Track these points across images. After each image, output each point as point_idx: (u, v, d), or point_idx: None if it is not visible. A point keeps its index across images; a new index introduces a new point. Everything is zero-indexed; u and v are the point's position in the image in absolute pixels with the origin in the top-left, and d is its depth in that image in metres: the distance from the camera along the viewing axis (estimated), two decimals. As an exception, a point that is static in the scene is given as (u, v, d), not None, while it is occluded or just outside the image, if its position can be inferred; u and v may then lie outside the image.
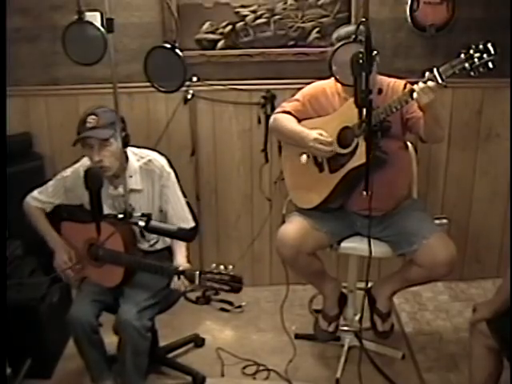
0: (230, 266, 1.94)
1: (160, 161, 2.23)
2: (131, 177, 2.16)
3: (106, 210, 2.15)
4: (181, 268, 2.01)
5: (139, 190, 2.19)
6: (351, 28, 2.16)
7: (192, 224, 2.26)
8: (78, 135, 2.08)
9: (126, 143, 2.13)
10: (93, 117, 2.06)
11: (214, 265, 1.94)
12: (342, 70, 1.93)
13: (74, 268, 2.15)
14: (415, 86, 1.92)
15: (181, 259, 2.17)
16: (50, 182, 2.27)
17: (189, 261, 2.19)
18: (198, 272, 1.95)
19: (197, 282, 1.96)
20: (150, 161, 2.21)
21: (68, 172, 2.26)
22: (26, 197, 2.26)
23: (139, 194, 2.19)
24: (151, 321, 2.14)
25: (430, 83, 1.88)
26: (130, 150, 2.21)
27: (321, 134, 2.17)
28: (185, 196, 2.29)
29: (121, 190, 2.12)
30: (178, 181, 2.26)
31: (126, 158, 2.17)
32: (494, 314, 1.85)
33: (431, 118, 2.04)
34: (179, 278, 2.00)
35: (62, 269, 2.16)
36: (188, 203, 2.31)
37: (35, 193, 2.26)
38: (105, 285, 2.13)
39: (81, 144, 2.09)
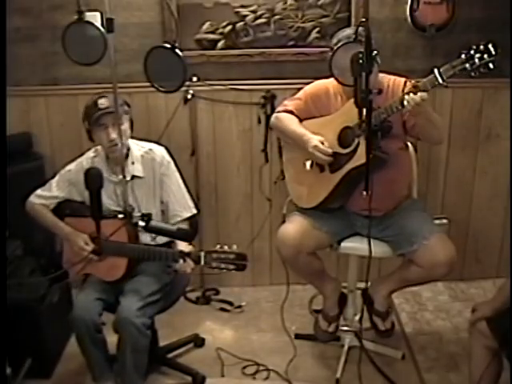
0: (234, 246, 1.97)
1: (160, 150, 2.28)
2: (133, 163, 2.20)
3: (107, 198, 2.17)
4: (186, 250, 2.03)
5: (141, 177, 2.22)
6: (351, 31, 2.13)
7: (194, 211, 2.29)
8: (90, 118, 2.10)
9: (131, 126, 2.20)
10: (104, 99, 2.11)
11: (219, 245, 1.96)
12: (342, 70, 1.94)
13: (94, 251, 2.11)
14: (406, 96, 1.92)
15: (183, 245, 2.17)
16: (53, 179, 2.29)
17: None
18: (203, 252, 1.98)
19: (202, 262, 1.99)
20: (150, 149, 2.26)
21: (72, 165, 2.28)
22: (27, 197, 2.25)
23: (141, 181, 2.22)
24: (151, 319, 2.14)
25: (419, 94, 1.88)
26: (130, 140, 2.25)
27: (321, 142, 2.17)
28: (186, 185, 2.31)
29: (121, 176, 2.13)
30: (178, 170, 2.29)
31: (128, 146, 2.21)
32: (494, 312, 1.85)
33: (423, 120, 2.07)
34: (185, 261, 2.01)
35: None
36: (189, 191, 2.32)
37: (38, 191, 2.27)
38: (107, 279, 2.13)
39: (95, 126, 2.11)
